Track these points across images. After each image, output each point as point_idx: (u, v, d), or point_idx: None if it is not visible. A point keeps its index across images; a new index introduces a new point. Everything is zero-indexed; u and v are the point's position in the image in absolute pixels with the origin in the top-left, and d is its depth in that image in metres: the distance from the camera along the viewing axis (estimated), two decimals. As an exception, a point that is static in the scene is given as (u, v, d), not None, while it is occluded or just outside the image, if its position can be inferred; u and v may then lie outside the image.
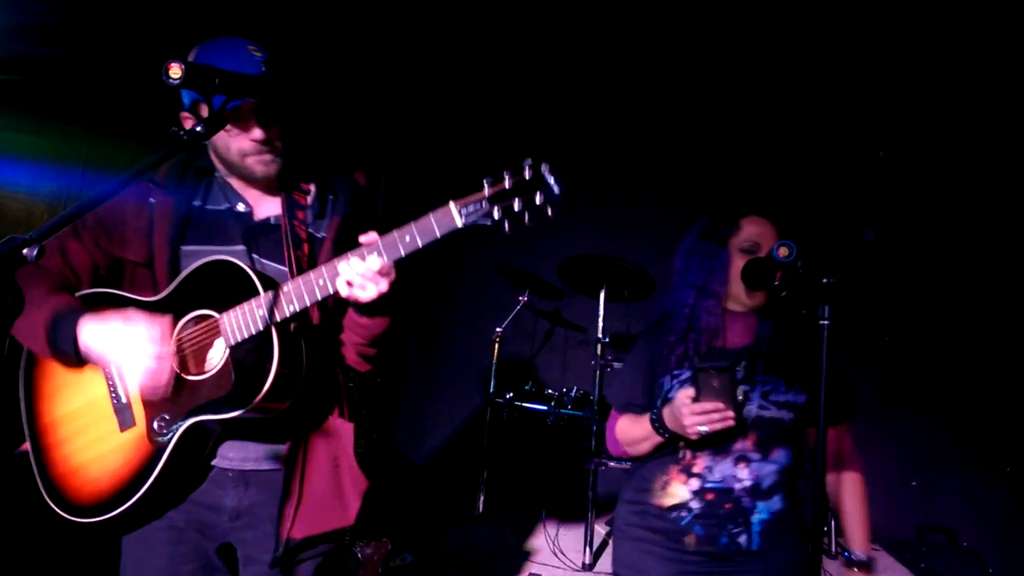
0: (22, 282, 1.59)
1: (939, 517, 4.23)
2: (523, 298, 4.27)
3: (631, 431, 2.06)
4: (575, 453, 4.21)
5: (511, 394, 4.10)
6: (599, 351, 3.89)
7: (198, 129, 1.24)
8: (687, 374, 1.97)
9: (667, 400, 1.96)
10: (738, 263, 1.99)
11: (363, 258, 1.50)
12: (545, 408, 4.02)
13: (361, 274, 1.50)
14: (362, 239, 1.52)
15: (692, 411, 1.82)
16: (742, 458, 1.93)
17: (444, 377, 5.09)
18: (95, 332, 1.59)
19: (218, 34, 1.71)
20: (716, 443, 1.92)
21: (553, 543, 3.79)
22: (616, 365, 3.83)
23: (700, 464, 1.95)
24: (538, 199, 1.39)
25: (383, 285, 1.52)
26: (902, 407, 4.36)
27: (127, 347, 1.56)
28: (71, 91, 5.11)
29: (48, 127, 5.24)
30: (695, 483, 1.95)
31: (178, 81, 1.19)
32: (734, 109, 4.64)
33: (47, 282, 1.69)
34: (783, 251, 1.70)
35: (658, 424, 1.94)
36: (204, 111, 1.58)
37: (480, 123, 5.05)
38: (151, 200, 1.72)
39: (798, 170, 4.52)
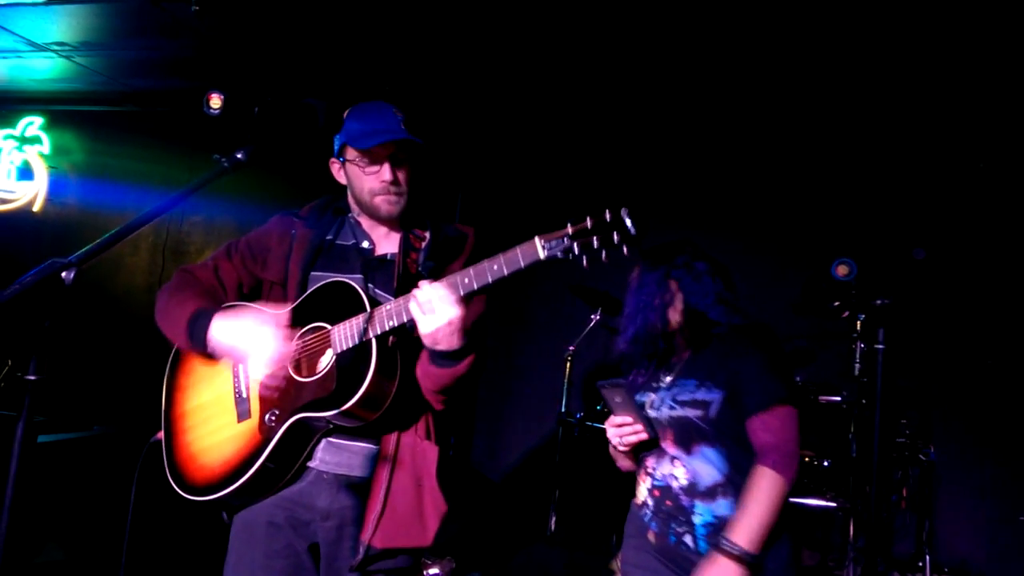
0: (179, 286, 2.00)
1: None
2: (595, 316, 4.23)
3: (611, 449, 2.26)
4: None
5: (581, 414, 4.06)
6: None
7: (239, 156, 1.31)
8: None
9: None
10: None
11: (444, 284, 1.68)
12: (616, 428, 3.95)
13: (430, 298, 1.67)
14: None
15: (609, 424, 2.07)
16: (675, 458, 2.06)
17: (518, 395, 5.10)
18: (225, 327, 1.85)
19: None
20: (647, 448, 2.10)
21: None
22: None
23: (650, 464, 2.11)
24: (615, 238, 1.55)
25: (443, 316, 1.67)
26: (1005, 436, 4.05)
27: (253, 341, 1.80)
28: (176, 121, 5.48)
29: (155, 154, 5.64)
30: (648, 481, 2.11)
31: (217, 111, 1.26)
32: (801, 138, 4.54)
33: (198, 288, 1.99)
34: (842, 270, 1.67)
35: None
36: (350, 153, 1.96)
37: (553, 151, 5.08)
38: (293, 232, 2.03)
39: (864, 189, 4.34)
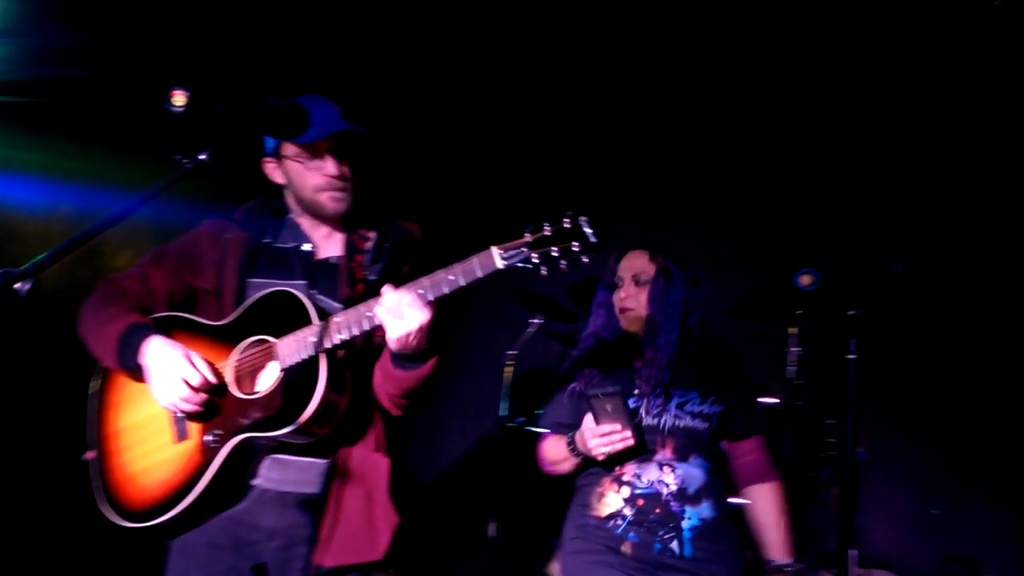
0: (105, 299, 1.87)
1: (962, 547, 4.12)
2: (536, 321, 4.23)
3: (553, 451, 2.25)
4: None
5: (522, 419, 4.05)
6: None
7: (201, 158, 1.23)
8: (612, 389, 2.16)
9: None
10: (614, 298, 2.29)
11: (406, 291, 1.64)
12: (557, 433, 3.95)
13: (397, 303, 1.63)
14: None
15: (593, 434, 2.01)
16: (665, 464, 2.10)
17: (456, 400, 5.05)
18: (156, 349, 1.75)
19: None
20: (627, 459, 2.09)
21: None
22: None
23: (629, 472, 2.11)
24: (575, 247, 1.53)
25: (414, 321, 1.63)
26: (921, 434, 4.26)
27: (170, 370, 1.72)
28: (90, 113, 5.18)
29: (67, 148, 5.31)
30: (626, 491, 2.09)
31: (182, 109, 1.18)
32: (755, 133, 4.58)
33: (127, 302, 1.87)
34: (805, 279, 1.75)
35: (573, 447, 2.13)
36: (288, 150, 1.84)
37: (488, 150, 5.05)
38: (227, 236, 1.92)
39: (820, 195, 4.44)
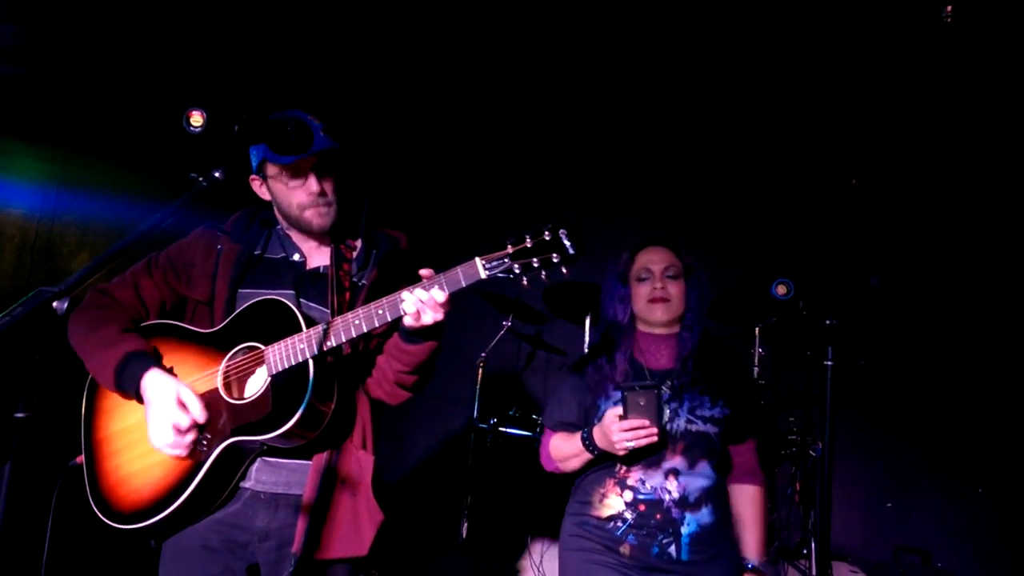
0: (99, 316, 1.88)
1: (914, 539, 4.30)
2: (507, 323, 4.28)
3: (563, 448, 2.23)
4: (560, 477, 4.21)
5: (495, 420, 4.10)
6: (583, 376, 3.90)
7: (216, 175, 1.25)
8: (620, 395, 2.12)
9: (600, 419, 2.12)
10: (639, 291, 2.25)
11: (427, 289, 1.67)
12: (530, 434, 4.01)
13: (424, 301, 1.67)
14: (422, 272, 1.70)
15: (620, 428, 1.99)
16: (672, 471, 2.10)
17: (426, 403, 5.06)
18: (153, 386, 1.77)
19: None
20: (645, 456, 2.09)
21: (538, 569, 3.78)
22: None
23: (634, 477, 2.11)
24: (555, 259, 1.57)
25: (440, 314, 1.69)
26: (877, 430, 4.44)
27: (162, 415, 1.74)
28: (44, 111, 5.03)
29: (19, 146, 5.15)
30: (629, 495, 2.11)
31: (199, 129, 1.20)
32: (723, 141, 4.70)
33: (120, 320, 1.88)
34: (781, 289, 1.82)
35: (588, 442, 2.12)
36: (271, 169, 1.89)
37: (459, 150, 5.08)
38: (219, 247, 1.95)
39: (788, 201, 4.57)
